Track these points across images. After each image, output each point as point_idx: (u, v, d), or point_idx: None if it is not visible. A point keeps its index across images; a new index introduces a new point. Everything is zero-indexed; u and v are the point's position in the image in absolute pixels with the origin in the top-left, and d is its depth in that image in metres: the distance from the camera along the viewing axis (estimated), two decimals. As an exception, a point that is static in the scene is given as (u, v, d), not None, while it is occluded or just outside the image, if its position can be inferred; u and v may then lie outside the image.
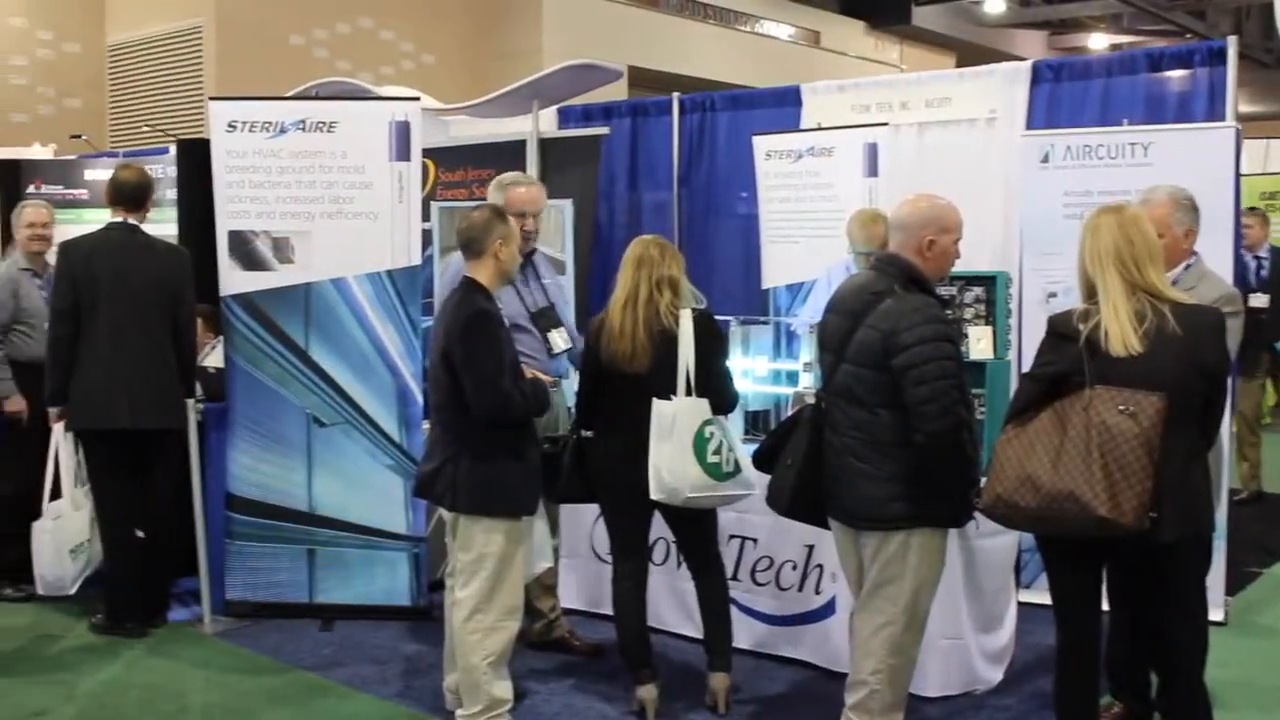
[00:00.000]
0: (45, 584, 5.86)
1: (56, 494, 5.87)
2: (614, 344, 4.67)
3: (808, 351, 5.69)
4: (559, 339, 5.27)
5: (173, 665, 5.55)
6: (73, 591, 5.91)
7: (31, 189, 8.51)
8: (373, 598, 6.10)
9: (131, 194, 5.88)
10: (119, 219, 5.87)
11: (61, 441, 5.84)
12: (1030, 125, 6.91)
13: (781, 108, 8.04)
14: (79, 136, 12.68)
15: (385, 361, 6.04)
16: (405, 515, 6.07)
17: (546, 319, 5.26)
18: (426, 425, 5.20)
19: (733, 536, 5.41)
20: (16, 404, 6.37)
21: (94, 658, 5.64)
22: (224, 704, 5.11)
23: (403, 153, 5.99)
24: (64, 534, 5.81)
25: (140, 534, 5.98)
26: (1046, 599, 4.00)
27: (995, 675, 5.16)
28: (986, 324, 5.63)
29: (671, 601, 5.66)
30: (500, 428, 4.46)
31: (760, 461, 4.52)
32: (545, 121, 7.82)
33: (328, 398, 6.05)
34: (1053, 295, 5.96)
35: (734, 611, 5.03)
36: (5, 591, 6.45)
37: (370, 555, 6.10)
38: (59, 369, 5.75)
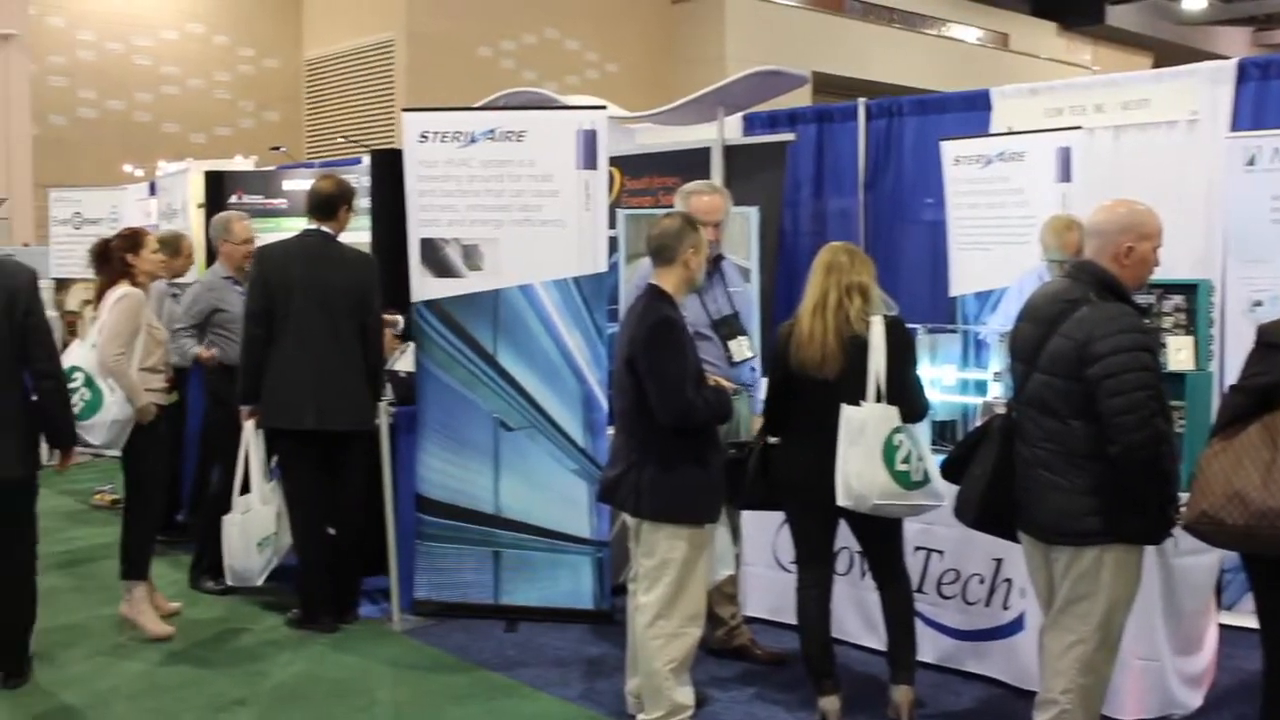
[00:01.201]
0: (235, 575, 6.10)
1: (246, 489, 6.09)
2: (803, 350, 4.62)
3: (997, 361, 5.57)
4: (741, 347, 5.25)
5: (362, 661, 5.70)
6: (260, 583, 6.13)
7: (234, 199, 8.83)
8: (556, 600, 6.17)
9: (323, 203, 6.07)
10: (313, 227, 6.07)
11: (252, 439, 6.06)
12: (1235, 126, 6.65)
13: (970, 112, 7.90)
14: (278, 148, 13.12)
15: (571, 367, 6.10)
16: (589, 519, 6.12)
17: (729, 327, 5.24)
18: (611, 431, 5.23)
19: (919, 548, 5.31)
20: (205, 351, 6.69)
21: (287, 651, 5.83)
22: (411, 700, 5.22)
23: (589, 161, 6.05)
24: (252, 527, 6.03)
25: (331, 531, 6.17)
26: (1250, 621, 3.84)
27: (1194, 700, 4.95)
28: (1187, 334, 5.42)
29: (855, 611, 5.59)
30: (684, 434, 4.47)
31: (949, 471, 4.44)
32: (730, 128, 7.81)
33: (514, 402, 6.14)
34: (1258, 304, 5.73)
35: (918, 624, 4.94)
36: (207, 585, 6.71)
37: (554, 558, 6.16)
38: (251, 370, 5.97)
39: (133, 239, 6.04)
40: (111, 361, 5.71)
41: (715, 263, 5.24)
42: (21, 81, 16.46)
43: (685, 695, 4.60)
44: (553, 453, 6.13)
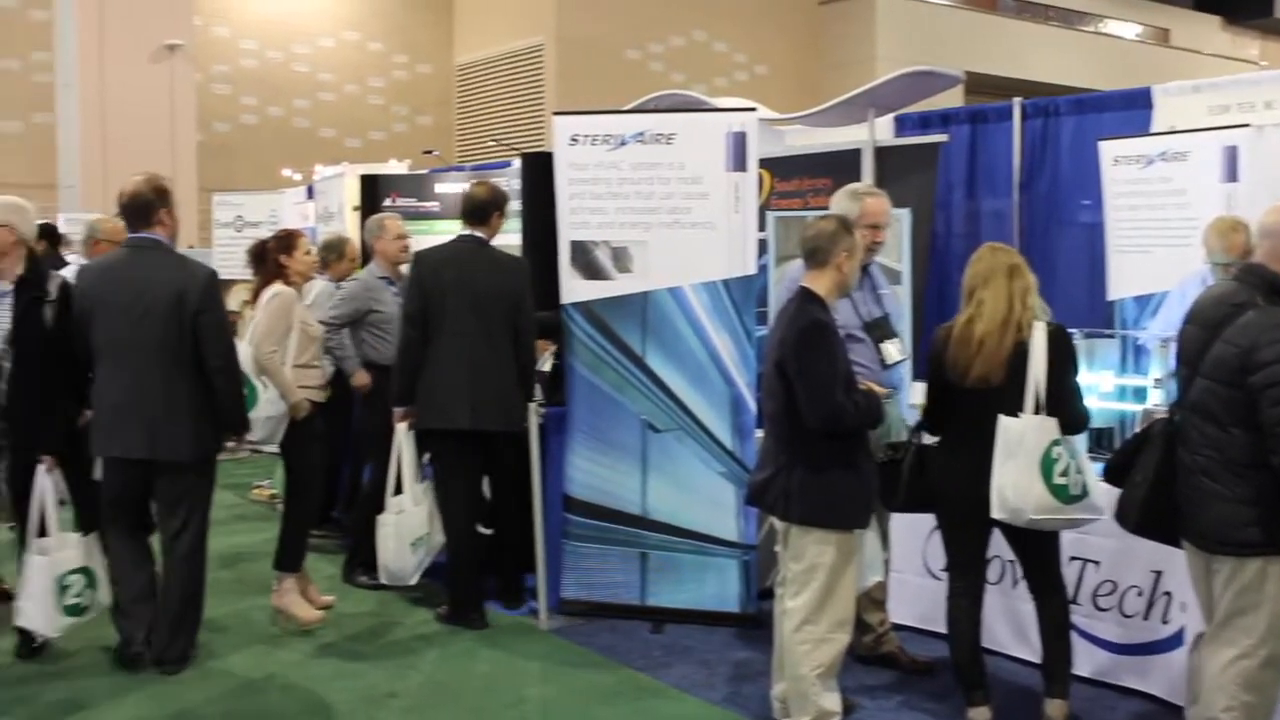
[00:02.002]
0: (389, 574, 6.21)
1: (400, 490, 6.20)
2: (970, 356, 4.52)
3: (1158, 367, 5.41)
4: (893, 350, 5.18)
5: (510, 657, 5.76)
6: (413, 582, 6.23)
7: (388, 202, 9.02)
8: (703, 603, 6.16)
9: (477, 209, 6.16)
10: (467, 232, 6.16)
11: (405, 440, 6.17)
12: None
13: (1130, 111, 7.68)
14: (430, 152, 13.40)
15: (720, 370, 6.09)
16: (736, 522, 6.10)
17: (881, 329, 5.18)
18: (759, 434, 5.20)
19: (1074, 558, 5.18)
20: (362, 378, 6.84)
21: (437, 646, 5.92)
22: (559, 698, 5.26)
23: (739, 163, 6.03)
24: (406, 527, 6.14)
25: (486, 531, 6.26)
26: None
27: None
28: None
29: (1007, 621, 5.48)
30: (834, 438, 4.43)
31: (1111, 476, 4.33)
32: (881, 129, 7.71)
33: (663, 404, 6.15)
34: None
35: (1073, 636, 4.82)
36: (360, 579, 6.85)
37: (701, 561, 6.15)
38: (406, 372, 6.09)
39: (287, 240, 6.22)
40: (264, 359, 5.90)
41: (864, 266, 5.19)
42: (187, 90, 17.04)
43: (832, 701, 4.56)
44: (700, 455, 6.13)
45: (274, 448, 6.25)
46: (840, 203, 5.25)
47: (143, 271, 5.34)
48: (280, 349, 5.97)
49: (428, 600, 6.48)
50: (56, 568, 5.38)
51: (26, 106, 19.82)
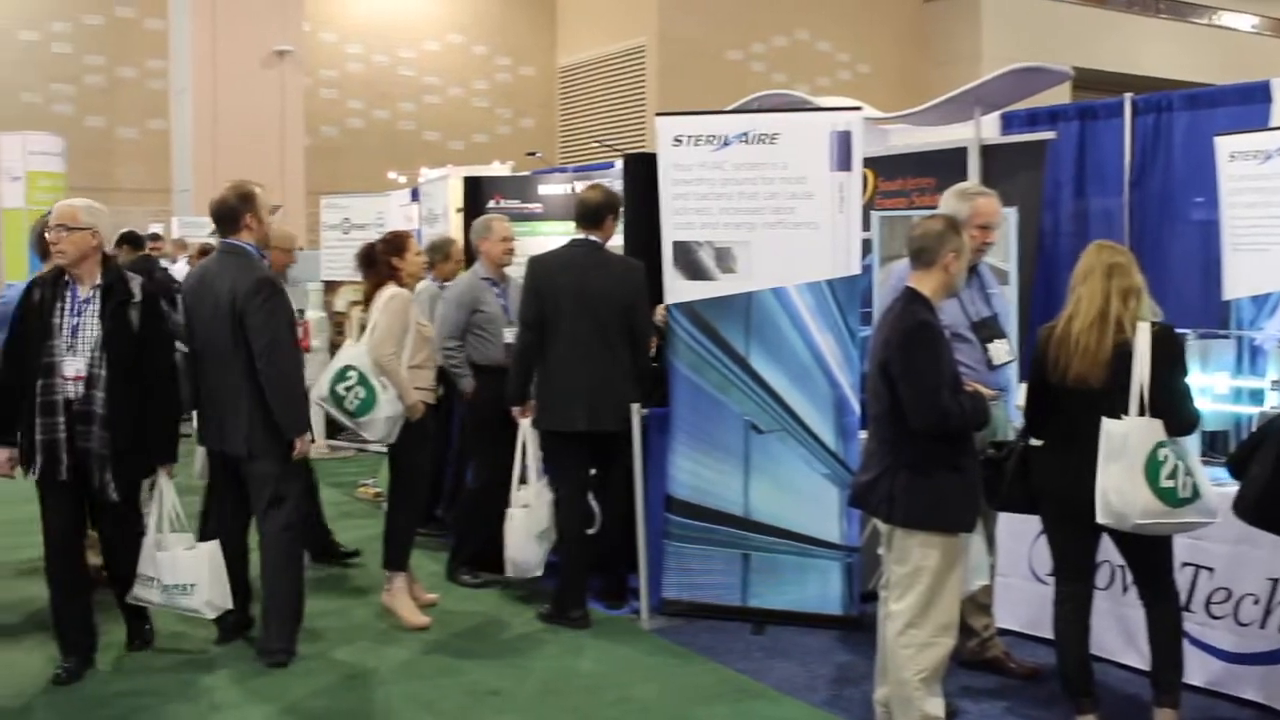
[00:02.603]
0: (515, 566, 6.27)
1: (524, 482, 6.29)
2: (1069, 355, 4.46)
3: (1276, 368, 5.27)
4: (1001, 350, 5.11)
5: (613, 656, 5.78)
6: (538, 574, 6.30)
7: (492, 204, 9.08)
8: (805, 604, 6.13)
9: (590, 213, 6.20)
10: (581, 235, 6.20)
11: (529, 435, 6.25)
12: None
13: (1248, 105, 7.46)
14: (534, 154, 13.50)
15: (823, 370, 6.05)
16: (839, 524, 6.06)
17: (988, 330, 5.11)
18: (863, 435, 5.16)
19: (1186, 564, 5.06)
20: (469, 385, 6.91)
21: (541, 644, 5.95)
22: (660, 697, 5.26)
23: (844, 162, 5.99)
24: (532, 520, 6.20)
25: (590, 531, 6.29)
26: None
27: None
28: None
29: (1116, 628, 5.37)
30: (939, 440, 4.38)
31: (1234, 471, 4.27)
32: (987, 127, 7.60)
33: (766, 405, 6.13)
34: None
35: (1185, 644, 4.70)
36: (463, 577, 6.92)
37: (803, 562, 6.12)
38: (521, 374, 6.18)
39: (396, 242, 6.30)
40: (384, 360, 5.98)
41: (973, 266, 5.12)
42: (296, 95, 17.34)
43: (935, 706, 4.50)
44: (804, 456, 6.10)
45: (380, 446, 6.34)
46: (950, 203, 5.18)
47: (220, 276, 5.60)
48: (399, 350, 6.06)
49: (530, 599, 6.52)
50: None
51: (143, 113, 20.37)
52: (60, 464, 5.15)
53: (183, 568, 5.47)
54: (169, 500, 5.46)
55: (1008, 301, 5.58)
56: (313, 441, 5.88)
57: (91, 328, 5.21)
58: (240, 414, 5.52)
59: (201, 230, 12.58)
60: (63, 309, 5.24)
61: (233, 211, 5.65)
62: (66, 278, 5.27)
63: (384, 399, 6.00)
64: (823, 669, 5.55)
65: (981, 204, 5.16)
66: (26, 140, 14.29)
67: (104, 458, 5.18)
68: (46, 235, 5.34)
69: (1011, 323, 5.56)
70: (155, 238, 13.33)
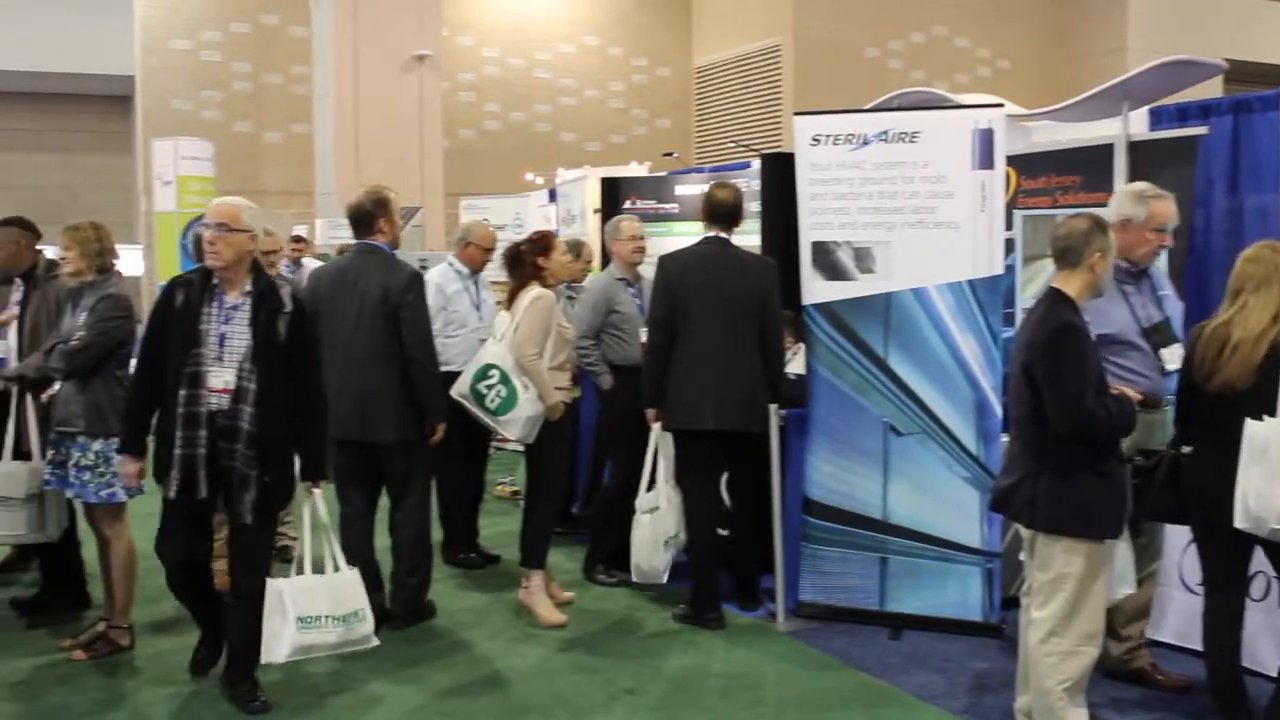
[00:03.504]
0: (640, 573, 6.27)
1: (652, 487, 6.28)
2: (1219, 358, 4.33)
3: None
4: (1175, 356, 4.93)
5: (748, 658, 5.76)
6: (663, 581, 6.29)
7: (628, 204, 9.10)
8: (943, 610, 6.05)
9: (723, 212, 6.19)
10: (712, 234, 6.19)
11: (660, 440, 6.24)
12: None
13: None
14: (670, 154, 13.50)
15: (964, 372, 5.96)
16: (980, 529, 5.96)
17: (1161, 335, 4.95)
18: (1005, 438, 5.07)
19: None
20: (607, 382, 6.95)
21: (676, 644, 5.96)
22: (795, 700, 5.23)
23: (986, 161, 5.90)
24: (660, 526, 6.20)
25: (724, 533, 6.28)
26: None
27: None
28: None
29: (1272, 641, 5.19)
30: (1083, 444, 4.28)
31: None
32: (1135, 123, 7.40)
33: (905, 407, 6.06)
34: None
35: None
36: (599, 576, 6.96)
37: (942, 567, 6.04)
38: (654, 373, 6.17)
39: (542, 243, 6.35)
40: (527, 360, 6.06)
41: (1143, 269, 5.00)
42: (434, 98, 17.60)
43: (1079, 716, 4.41)
44: (944, 459, 6.01)
45: (517, 445, 6.41)
46: (1125, 205, 5.02)
47: (363, 274, 5.96)
48: (541, 351, 6.13)
49: (666, 599, 6.53)
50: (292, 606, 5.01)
51: (286, 117, 20.87)
52: (199, 482, 4.86)
53: (350, 594, 5.13)
54: (322, 519, 5.15)
55: (1178, 302, 5.41)
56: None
57: (241, 337, 4.88)
58: (388, 403, 5.89)
59: (343, 232, 12.84)
60: (210, 316, 4.91)
61: (368, 215, 6.05)
62: (215, 282, 4.96)
63: (525, 399, 6.08)
64: (961, 676, 5.46)
65: (1158, 207, 5.00)
66: (178, 145, 14.74)
67: (246, 478, 4.85)
68: (203, 234, 5.07)
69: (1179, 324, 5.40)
70: (299, 239, 13.61)
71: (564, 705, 5.20)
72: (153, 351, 4.98)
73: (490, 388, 6.11)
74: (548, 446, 6.26)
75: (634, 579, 6.38)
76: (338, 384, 5.77)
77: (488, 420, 6.24)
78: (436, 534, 7.27)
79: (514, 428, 6.14)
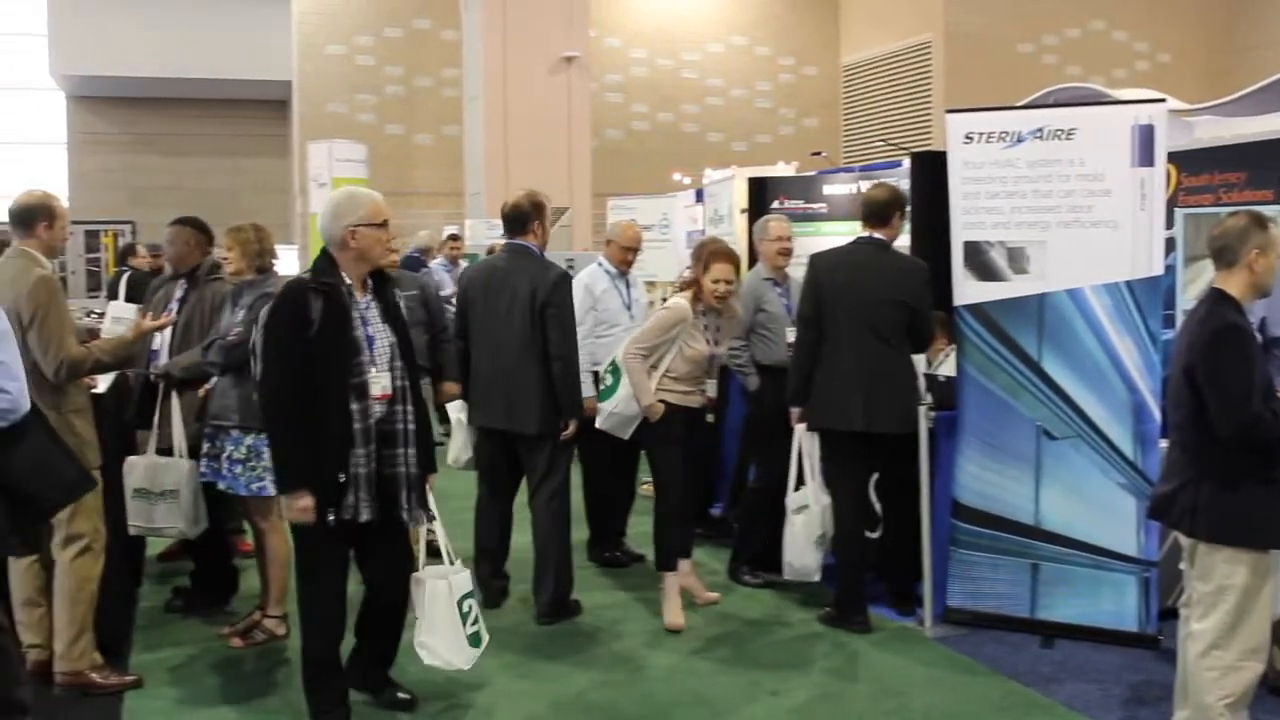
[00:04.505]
0: (792, 570, 6.27)
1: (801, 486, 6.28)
2: None
3: None
4: None
5: (894, 663, 5.69)
6: (816, 579, 6.26)
7: (775, 204, 9.05)
8: (1097, 619, 5.90)
9: (877, 211, 6.13)
10: (866, 234, 6.14)
11: (805, 439, 6.22)
12: None
13: None
14: (818, 153, 13.38)
15: (1121, 375, 5.80)
16: (1136, 536, 5.80)
17: None
18: (1164, 444, 4.92)
19: None
20: (753, 383, 6.92)
21: (821, 647, 5.92)
22: (943, 707, 5.17)
23: (1145, 158, 5.73)
24: (811, 525, 6.18)
25: (872, 535, 6.22)
26: None
27: None
28: None
29: None
30: (1248, 451, 4.13)
31: None
32: (1305, 118, 7.14)
33: (1059, 410, 5.92)
34: None
35: None
36: (745, 577, 6.93)
37: (1096, 575, 5.89)
38: (800, 372, 6.16)
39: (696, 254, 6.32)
40: (627, 358, 6.18)
41: None
42: (582, 99, 17.73)
43: (1241, 734, 4.26)
44: (1099, 464, 5.86)
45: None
46: None
47: (514, 272, 6.22)
48: (650, 355, 6.16)
49: (812, 600, 6.50)
50: (456, 592, 4.99)
51: (437, 119, 21.25)
52: (373, 499, 4.62)
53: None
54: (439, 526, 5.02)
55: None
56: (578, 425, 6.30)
57: (383, 337, 4.70)
58: (533, 396, 6.11)
59: (493, 232, 13.02)
60: (357, 321, 4.65)
61: (525, 216, 6.31)
62: (348, 283, 4.68)
63: (620, 395, 6.24)
64: (1116, 688, 5.32)
65: None
66: (333, 148, 15.09)
67: (413, 479, 4.73)
68: (367, 233, 4.69)
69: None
70: (456, 238, 13.82)
71: (706, 705, 5.20)
72: (295, 366, 4.51)
73: (608, 372, 6.38)
74: (657, 450, 6.34)
75: (786, 576, 6.36)
76: (487, 375, 6.25)
77: (595, 402, 6.49)
78: (582, 532, 7.36)
79: (602, 418, 6.35)
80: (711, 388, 6.64)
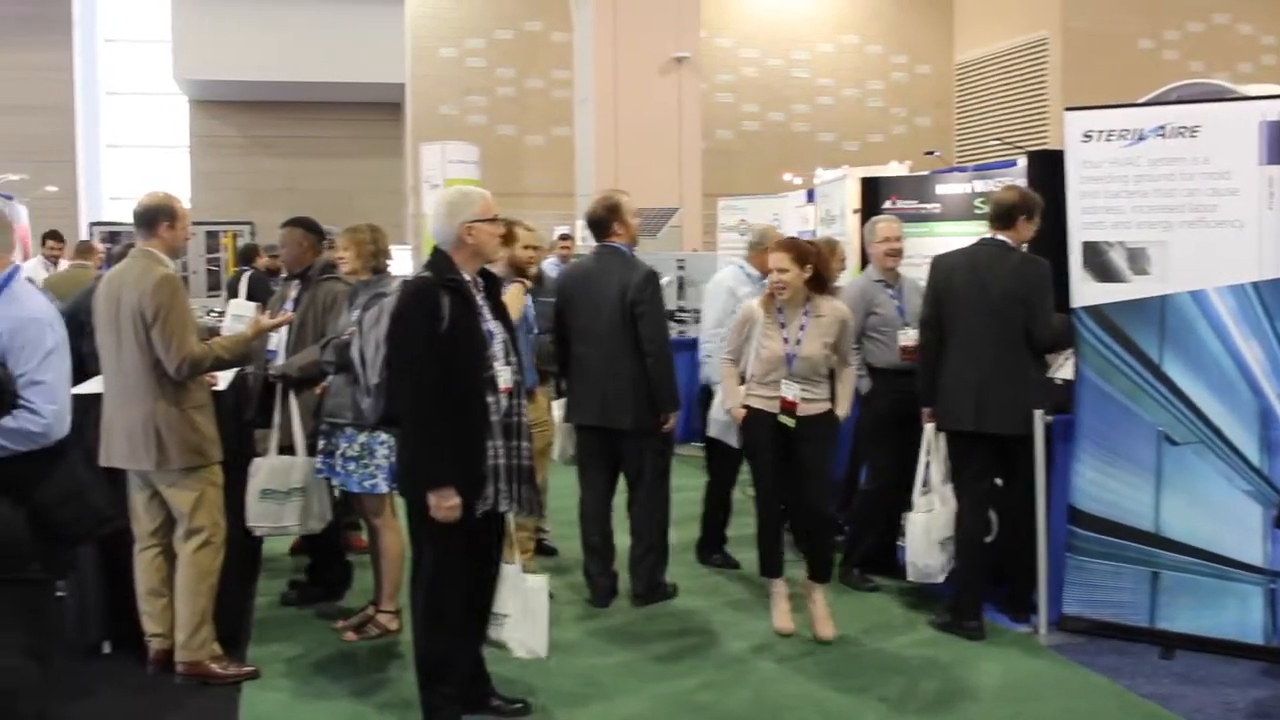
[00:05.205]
0: (915, 570, 6.20)
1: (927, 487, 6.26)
2: None
3: None
4: None
5: (1008, 671, 5.60)
6: (939, 580, 6.19)
7: (887, 204, 8.96)
8: (1220, 630, 5.73)
9: (1002, 213, 6.05)
10: (990, 235, 6.06)
11: (933, 439, 6.20)
12: None
13: None
14: (931, 153, 13.23)
15: (1247, 380, 5.63)
16: (1262, 546, 5.61)
17: None
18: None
19: None
20: (864, 385, 6.86)
21: (933, 653, 5.83)
22: (1058, 717, 5.07)
23: (1274, 155, 5.55)
24: (935, 526, 6.13)
25: (988, 539, 6.12)
26: None
27: None
28: None
29: None
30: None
31: None
32: None
33: (1181, 415, 5.77)
34: None
35: None
36: (855, 581, 6.85)
37: (1220, 585, 5.72)
38: (925, 373, 6.16)
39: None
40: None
41: None
42: (693, 100, 17.72)
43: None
44: (1223, 471, 5.69)
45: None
46: None
47: (604, 272, 6.48)
48: (733, 358, 6.19)
49: (922, 604, 6.43)
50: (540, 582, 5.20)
51: (548, 121, 21.40)
52: (510, 490, 4.70)
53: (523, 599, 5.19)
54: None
55: None
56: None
57: (500, 333, 4.76)
58: (627, 392, 6.35)
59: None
60: (482, 316, 4.73)
61: (602, 221, 6.58)
62: (468, 279, 4.74)
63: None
64: (1240, 702, 5.17)
65: None
66: (445, 149, 15.26)
67: (529, 472, 4.81)
68: (487, 229, 4.77)
69: None
70: (567, 238, 13.89)
71: (816, 709, 5.16)
72: (436, 364, 4.55)
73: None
74: (747, 455, 6.38)
75: (910, 577, 6.30)
76: (584, 373, 6.50)
77: None
78: (692, 532, 7.36)
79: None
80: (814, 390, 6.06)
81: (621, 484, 6.67)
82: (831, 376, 6.10)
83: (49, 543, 4.08)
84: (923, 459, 6.22)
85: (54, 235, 13.74)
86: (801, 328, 5.97)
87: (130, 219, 5.51)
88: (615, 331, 6.36)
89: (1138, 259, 5.87)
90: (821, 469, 6.03)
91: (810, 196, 11.52)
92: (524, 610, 5.02)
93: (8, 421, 3.89)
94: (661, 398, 6.37)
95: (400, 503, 5.71)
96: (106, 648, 5.73)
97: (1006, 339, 5.90)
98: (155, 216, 5.34)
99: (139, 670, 5.46)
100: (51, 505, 4.05)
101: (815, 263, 5.95)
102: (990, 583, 6.18)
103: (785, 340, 5.96)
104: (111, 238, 15.74)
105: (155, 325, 5.10)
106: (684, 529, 7.25)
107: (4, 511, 3.94)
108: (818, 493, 6.03)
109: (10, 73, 23.17)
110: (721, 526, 7.46)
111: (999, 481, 6.15)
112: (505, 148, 21.07)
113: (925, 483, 6.22)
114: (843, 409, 6.12)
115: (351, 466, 5.79)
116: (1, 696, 3.96)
